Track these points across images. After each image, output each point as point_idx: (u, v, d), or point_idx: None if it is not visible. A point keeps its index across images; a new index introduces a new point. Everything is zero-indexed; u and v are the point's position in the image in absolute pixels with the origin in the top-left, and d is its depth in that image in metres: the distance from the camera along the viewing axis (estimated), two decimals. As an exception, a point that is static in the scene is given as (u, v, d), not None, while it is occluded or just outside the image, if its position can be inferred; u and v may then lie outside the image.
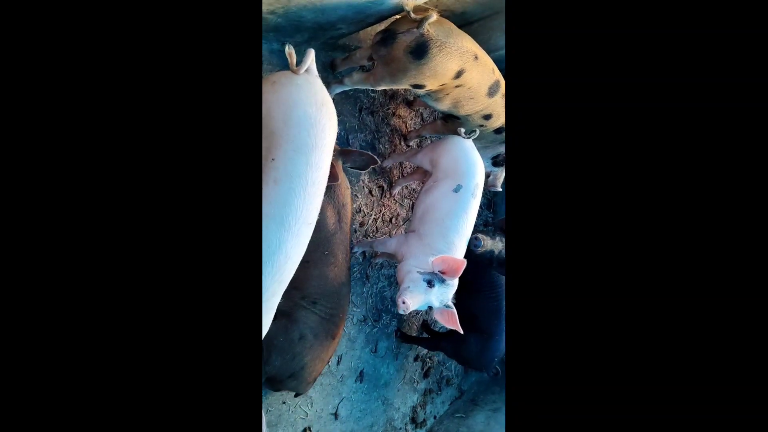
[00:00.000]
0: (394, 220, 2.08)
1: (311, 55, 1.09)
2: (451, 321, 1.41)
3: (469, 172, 1.54)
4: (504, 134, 1.76)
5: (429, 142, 2.08)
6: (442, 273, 1.37)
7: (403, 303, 1.34)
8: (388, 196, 2.05)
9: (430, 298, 1.38)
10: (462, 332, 1.44)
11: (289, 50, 1.07)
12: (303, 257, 1.06)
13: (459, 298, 1.45)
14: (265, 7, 1.25)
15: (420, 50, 1.31)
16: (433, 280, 1.37)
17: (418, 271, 1.40)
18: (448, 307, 1.41)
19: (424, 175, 1.77)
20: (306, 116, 1.03)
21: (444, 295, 1.40)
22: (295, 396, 1.62)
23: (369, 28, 1.68)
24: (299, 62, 1.08)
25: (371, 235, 1.97)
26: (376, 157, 1.40)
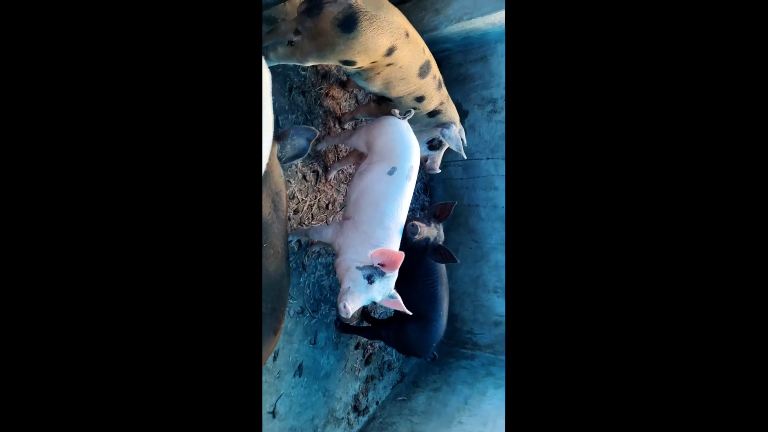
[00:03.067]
0: (330, 206, 2.00)
1: None
2: (396, 306, 1.42)
3: (404, 154, 1.50)
4: (437, 118, 1.75)
5: (365, 124, 2.02)
6: (382, 266, 1.33)
7: (345, 307, 1.29)
8: (323, 181, 1.96)
9: (372, 295, 1.35)
10: (409, 312, 1.44)
11: None
12: None
13: (396, 286, 1.43)
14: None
15: (349, 22, 1.22)
16: (373, 275, 1.33)
17: (357, 267, 1.35)
18: (392, 297, 1.40)
19: (360, 158, 1.71)
20: None
21: (386, 287, 1.37)
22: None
23: (295, -1, 1.56)
24: None
25: (306, 222, 1.87)
26: (313, 128, 1.30)
